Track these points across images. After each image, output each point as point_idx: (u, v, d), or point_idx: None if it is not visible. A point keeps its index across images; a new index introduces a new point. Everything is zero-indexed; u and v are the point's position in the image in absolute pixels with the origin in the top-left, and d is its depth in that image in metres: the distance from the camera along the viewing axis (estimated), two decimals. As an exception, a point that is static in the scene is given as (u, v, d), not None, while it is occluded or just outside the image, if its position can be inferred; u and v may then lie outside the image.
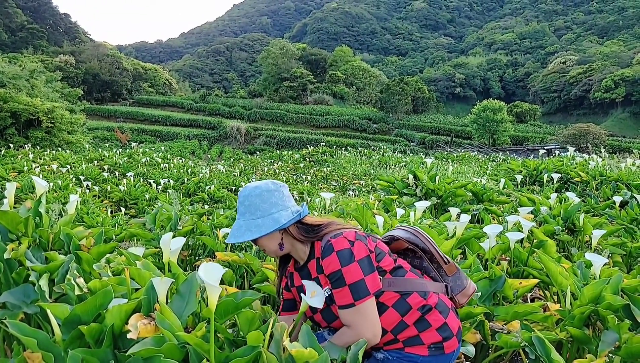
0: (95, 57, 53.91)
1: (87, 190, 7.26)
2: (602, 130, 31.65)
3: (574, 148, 9.81)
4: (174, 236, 2.45)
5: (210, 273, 1.18)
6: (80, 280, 1.43)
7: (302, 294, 1.43)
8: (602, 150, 10.31)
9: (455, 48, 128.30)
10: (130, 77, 55.10)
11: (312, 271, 1.52)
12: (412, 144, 39.20)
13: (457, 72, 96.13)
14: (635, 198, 4.35)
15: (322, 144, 31.14)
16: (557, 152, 12.65)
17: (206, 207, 6.98)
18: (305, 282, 1.48)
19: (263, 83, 60.51)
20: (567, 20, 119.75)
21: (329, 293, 1.47)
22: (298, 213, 1.51)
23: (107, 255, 1.95)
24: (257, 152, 30.25)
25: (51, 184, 6.57)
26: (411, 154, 24.66)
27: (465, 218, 2.47)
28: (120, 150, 18.32)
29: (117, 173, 10.31)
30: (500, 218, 4.12)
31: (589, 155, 11.06)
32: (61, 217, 4.21)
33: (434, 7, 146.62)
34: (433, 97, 56.76)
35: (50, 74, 27.06)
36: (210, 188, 8.80)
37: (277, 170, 15.94)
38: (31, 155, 10.96)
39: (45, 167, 9.13)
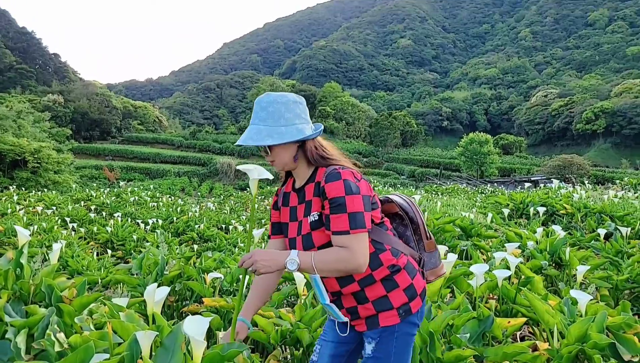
0: (84, 96, 54.26)
1: (73, 232, 7.16)
2: (585, 161, 32.24)
3: (559, 179, 9.98)
4: (160, 283, 2.43)
5: (195, 327, 1.17)
6: (61, 335, 1.40)
7: (251, 177, 1.50)
8: (586, 182, 10.48)
9: (440, 83, 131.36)
10: (119, 115, 55.30)
11: (308, 193, 1.53)
12: (402, 177, 39.50)
13: (444, 106, 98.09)
14: (619, 230, 4.41)
15: (312, 178, 31.11)
16: (542, 185, 12.83)
17: (195, 247, 6.92)
18: (243, 167, 1.51)
19: (253, 119, 61.06)
20: (546, 55, 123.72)
21: (316, 218, 1.49)
22: (319, 130, 1.55)
23: (91, 305, 1.92)
24: (248, 188, 30.24)
25: (35, 227, 6.48)
26: (401, 188, 24.79)
27: (452, 257, 2.49)
28: (108, 189, 18.19)
29: (104, 213, 10.19)
30: (489, 253, 4.14)
31: (574, 186, 11.24)
32: (45, 264, 4.13)
33: (418, 44, 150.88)
34: (421, 131, 57.76)
35: (39, 113, 27.08)
36: (199, 227, 8.74)
37: (267, 207, 15.89)
38: (15, 197, 10.82)
39: (30, 209, 9.02)
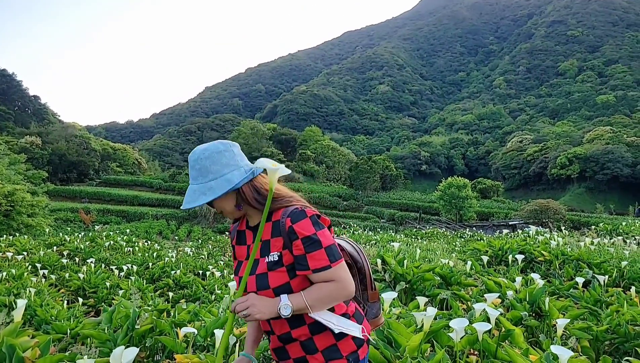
0: (62, 138, 53.74)
1: (44, 279, 6.88)
2: (561, 205, 32.96)
3: (537, 223, 10.14)
4: (130, 337, 2.32)
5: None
6: (18, 406, 1.31)
7: (270, 166, 1.41)
8: (563, 228, 10.66)
9: (419, 128, 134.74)
10: (98, 158, 54.76)
11: (265, 232, 1.50)
12: (382, 220, 39.58)
13: (422, 150, 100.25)
14: (597, 279, 4.45)
15: (292, 221, 30.94)
16: (519, 231, 13.03)
17: (170, 294, 6.71)
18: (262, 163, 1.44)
19: (233, 162, 61.22)
20: (520, 102, 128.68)
21: (275, 258, 1.45)
22: (251, 172, 1.51)
23: (55, 366, 1.81)
24: (227, 232, 29.84)
25: (4, 274, 6.22)
26: (381, 231, 24.79)
27: (432, 311, 2.46)
28: (83, 233, 17.70)
29: (77, 259, 9.86)
30: (469, 302, 4.11)
31: (551, 231, 11.42)
32: (11, 314, 3.93)
33: (397, 90, 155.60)
34: (400, 174, 58.46)
35: (15, 156, 26.59)
36: (176, 273, 8.51)
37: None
38: (-14, 242, 10.44)
39: (0, 254, 8.68)
